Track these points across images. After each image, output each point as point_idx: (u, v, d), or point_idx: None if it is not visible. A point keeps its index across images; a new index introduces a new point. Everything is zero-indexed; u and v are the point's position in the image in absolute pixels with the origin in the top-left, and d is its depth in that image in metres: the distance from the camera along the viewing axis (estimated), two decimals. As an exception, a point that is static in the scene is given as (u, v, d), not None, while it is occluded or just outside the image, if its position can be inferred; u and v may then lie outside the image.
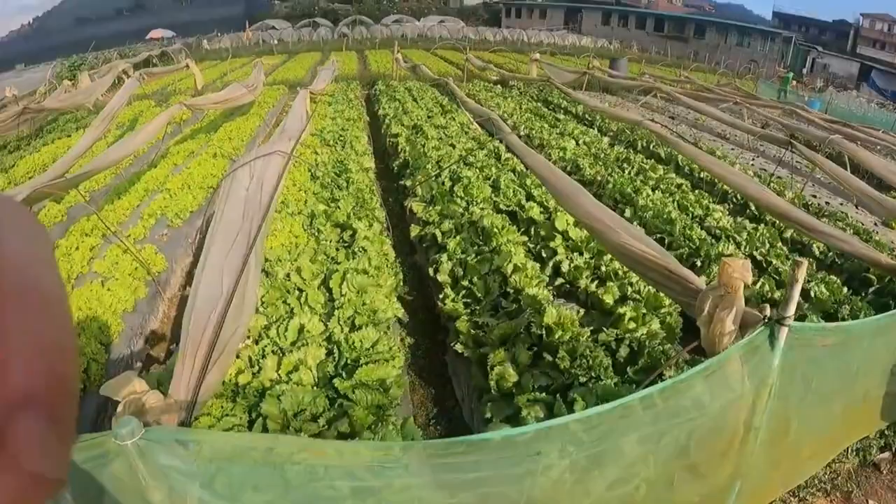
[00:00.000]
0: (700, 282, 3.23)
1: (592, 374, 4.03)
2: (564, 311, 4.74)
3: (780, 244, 7.48)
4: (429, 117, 13.33)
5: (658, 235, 7.28)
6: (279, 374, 4.32)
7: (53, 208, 8.90)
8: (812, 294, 6.16)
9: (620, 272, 5.78)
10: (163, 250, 7.46)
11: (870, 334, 3.60)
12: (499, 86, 20.50)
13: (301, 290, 5.51)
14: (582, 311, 5.34)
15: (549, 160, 10.59)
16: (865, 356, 3.66)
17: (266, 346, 4.66)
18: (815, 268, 6.98)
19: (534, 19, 65.46)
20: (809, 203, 9.95)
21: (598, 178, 9.36)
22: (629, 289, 5.46)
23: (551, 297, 5.43)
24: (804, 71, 56.35)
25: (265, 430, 3.76)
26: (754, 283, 6.20)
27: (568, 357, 4.18)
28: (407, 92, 17.38)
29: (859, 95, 43.94)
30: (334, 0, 76.15)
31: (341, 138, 11.60)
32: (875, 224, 9.70)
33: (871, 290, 6.62)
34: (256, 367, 4.41)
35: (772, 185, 10.22)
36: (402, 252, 7.50)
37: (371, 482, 2.13)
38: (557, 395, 3.90)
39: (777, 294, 5.97)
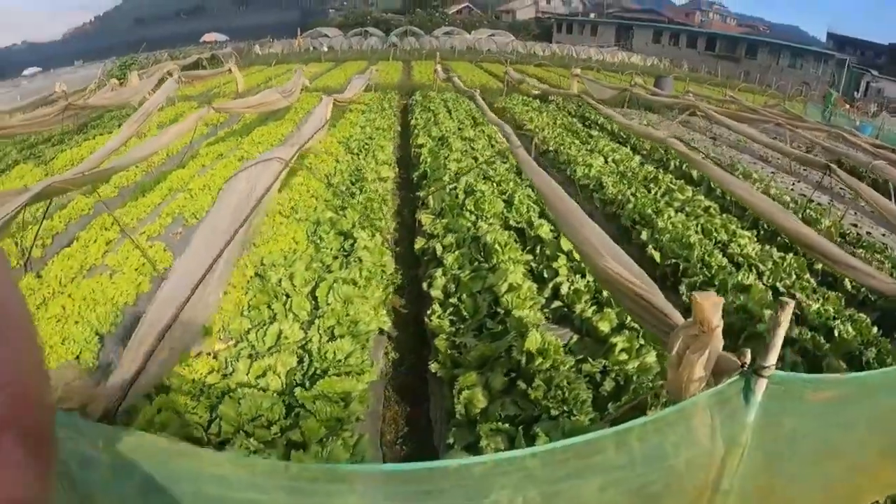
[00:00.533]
0: (678, 317, 2.91)
1: (566, 407, 3.74)
2: (550, 337, 4.45)
3: (807, 276, 7.02)
4: (459, 129, 13.15)
5: (672, 261, 6.94)
6: (248, 378, 4.30)
7: (81, 201, 9.15)
8: (836, 333, 5.67)
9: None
10: (172, 248, 7.50)
11: (885, 387, 3.01)
12: (538, 100, 20.22)
13: (288, 296, 5.44)
14: (576, 337, 5.03)
15: (574, 177, 10.35)
16: (881, 412, 3.11)
17: (243, 349, 4.70)
18: (843, 304, 6.44)
19: (585, 35, 65.19)
20: (848, 232, 9.35)
21: (620, 197, 9.02)
22: (629, 317, 5.16)
23: (544, 321, 5.16)
24: (857, 94, 54.78)
25: (220, 431, 3.76)
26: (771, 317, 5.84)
27: (543, 387, 3.90)
28: (442, 103, 17.23)
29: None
30: (388, 11, 77.06)
31: (366, 147, 11.50)
32: (920, 258, 9.14)
33: (903, 331, 6.10)
34: (230, 369, 4.43)
35: (808, 211, 9.75)
36: (407, 264, 7.30)
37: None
38: (520, 428, 3.63)
39: (794, 332, 5.57)
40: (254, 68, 37.25)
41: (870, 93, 56.76)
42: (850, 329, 5.71)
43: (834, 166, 9.12)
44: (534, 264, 6.23)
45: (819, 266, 7.41)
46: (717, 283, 6.34)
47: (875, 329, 5.81)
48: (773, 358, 2.35)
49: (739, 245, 7.55)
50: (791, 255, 7.44)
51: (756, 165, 14.71)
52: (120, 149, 9.78)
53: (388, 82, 24.38)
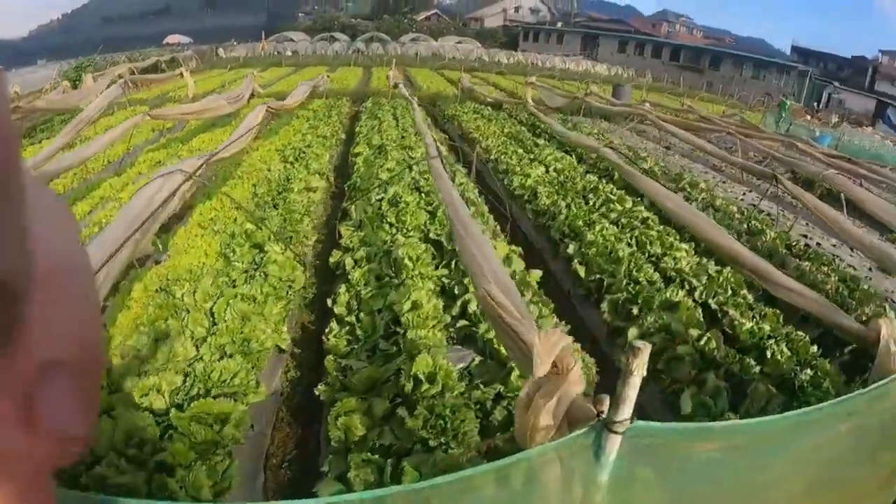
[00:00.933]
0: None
1: (443, 439, 3.47)
2: (441, 360, 4.16)
3: (744, 292, 6.67)
4: (402, 137, 12.86)
5: (597, 276, 6.70)
6: (134, 396, 4.08)
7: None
8: (769, 355, 5.37)
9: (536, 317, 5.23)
10: (95, 259, 7.08)
11: (783, 433, 2.58)
12: (491, 108, 19.99)
13: (188, 312, 5.12)
14: (478, 359, 4.76)
15: (510, 187, 10.12)
16: (785, 461, 2.70)
17: (132, 367, 4.47)
18: (782, 321, 6.12)
19: (551, 44, 65.53)
20: (794, 243, 9.07)
21: (552, 208, 8.77)
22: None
23: (446, 341, 4.87)
24: (818, 106, 55.79)
25: (92, 450, 3.48)
26: (699, 337, 5.54)
27: (425, 414, 3.63)
28: (391, 111, 16.93)
29: (875, 132, 43.27)
30: (357, 16, 76.87)
31: (302, 155, 11.16)
32: (871, 269, 9.04)
33: (847, 349, 5.75)
34: (115, 387, 4.21)
35: (754, 222, 9.59)
36: (323, 279, 7.00)
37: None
38: (389, 461, 3.35)
39: (721, 354, 5.33)
40: (214, 72, 36.69)
41: (831, 104, 57.97)
42: (785, 349, 5.38)
43: (780, 176, 8.98)
44: (447, 280, 5.93)
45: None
46: (640, 299, 6.09)
47: (815, 348, 5.51)
48: (624, 412, 1.99)
49: (674, 258, 7.22)
50: (728, 269, 7.18)
51: (707, 175, 14.63)
52: (57, 155, 9.45)
53: (344, 88, 23.98)
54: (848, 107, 56.83)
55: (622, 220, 8.57)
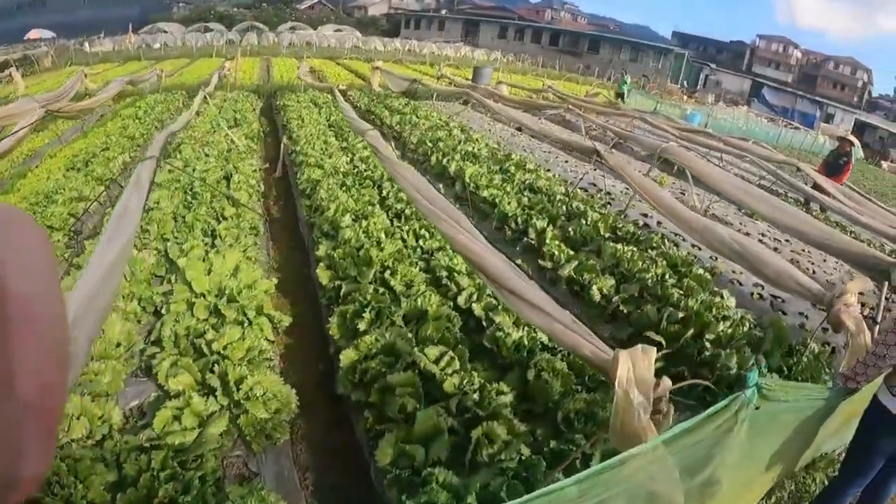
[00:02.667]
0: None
1: None
2: None
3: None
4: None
5: (338, 282, 5.79)
6: None
7: None
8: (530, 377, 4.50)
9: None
10: None
11: None
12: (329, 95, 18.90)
13: None
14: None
15: (298, 180, 9.12)
16: None
17: None
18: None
19: (432, 31, 64.93)
20: (622, 225, 8.28)
21: (326, 201, 7.76)
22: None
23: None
24: (697, 87, 57.58)
25: None
26: (438, 357, 4.57)
27: None
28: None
29: (750, 111, 44.84)
30: (238, 5, 73.92)
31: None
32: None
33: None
34: None
35: (576, 203, 8.84)
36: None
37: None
38: None
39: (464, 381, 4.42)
40: (72, 68, 33.79)
41: (708, 85, 60.05)
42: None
43: (600, 150, 8.25)
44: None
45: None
46: (374, 310, 5.17)
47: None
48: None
49: (449, 255, 6.35)
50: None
51: (551, 154, 14.16)
52: None
53: (188, 82, 22.01)
54: (725, 87, 59.09)
55: (406, 210, 7.69)
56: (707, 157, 14.70)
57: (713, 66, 62.91)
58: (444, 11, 70.97)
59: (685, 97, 46.85)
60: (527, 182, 10.07)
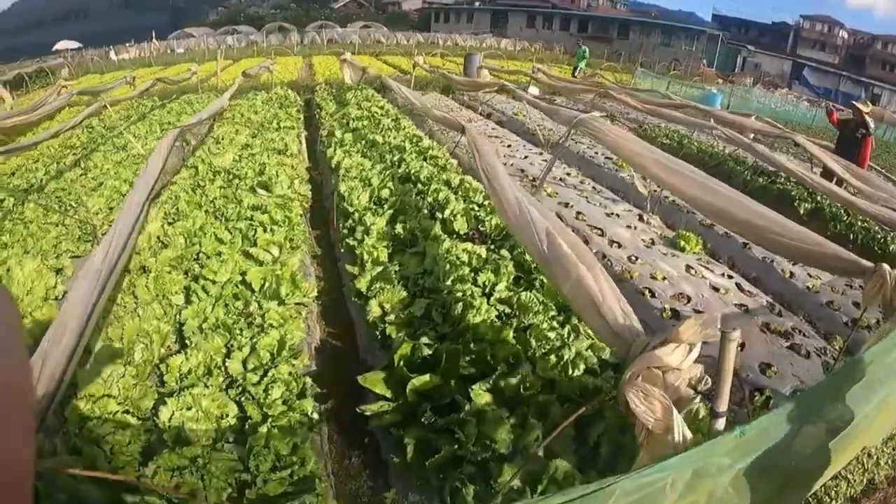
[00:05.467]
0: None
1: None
2: None
3: None
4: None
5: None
6: None
7: None
8: None
9: None
10: None
11: None
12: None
13: None
14: None
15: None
16: None
17: None
18: None
19: (461, 23, 63.84)
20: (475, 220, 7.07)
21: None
22: None
23: None
24: (735, 69, 55.13)
25: None
26: None
27: None
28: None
29: (790, 93, 42.58)
30: (278, 7, 74.52)
31: None
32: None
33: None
34: None
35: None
36: None
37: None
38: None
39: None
40: (89, 76, 34.00)
41: (747, 67, 57.46)
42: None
43: (467, 125, 7.23)
44: None
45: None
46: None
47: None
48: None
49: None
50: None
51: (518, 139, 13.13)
52: None
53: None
54: (764, 69, 56.51)
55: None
56: (694, 133, 13.73)
57: (751, 47, 60.22)
58: (476, 3, 69.90)
59: (719, 80, 44.68)
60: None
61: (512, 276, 4.95)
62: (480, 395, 3.38)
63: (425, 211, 6.57)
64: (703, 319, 2.09)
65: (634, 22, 56.24)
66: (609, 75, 28.69)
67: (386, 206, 6.65)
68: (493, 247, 5.69)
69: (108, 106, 13.10)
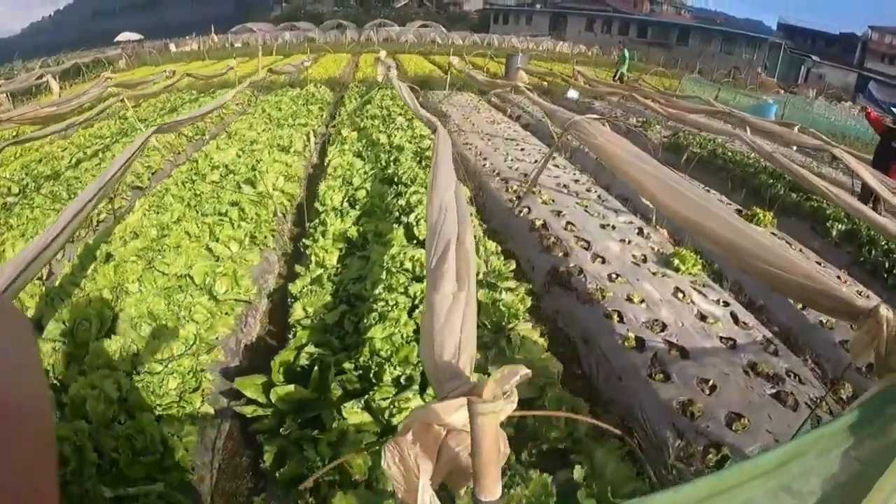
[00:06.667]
0: None
1: None
2: None
3: None
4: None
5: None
6: None
7: None
8: None
9: None
10: None
11: None
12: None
13: None
14: None
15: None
16: None
17: None
18: None
19: (520, 25, 63.48)
20: None
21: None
22: None
23: None
24: (798, 80, 53.26)
25: None
26: None
27: None
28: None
29: (853, 106, 40.91)
30: (339, 4, 75.45)
31: None
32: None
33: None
34: None
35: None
36: None
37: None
38: None
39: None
40: (144, 68, 34.70)
41: (810, 78, 55.46)
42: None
43: (440, 126, 6.92)
44: None
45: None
46: None
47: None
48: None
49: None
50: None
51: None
52: None
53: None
54: (828, 81, 54.49)
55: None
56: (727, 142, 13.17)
57: (815, 58, 58.09)
58: (537, 6, 69.39)
59: (780, 90, 43.13)
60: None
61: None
62: (353, 413, 3.15)
63: (396, 213, 6.31)
64: (504, 373, 1.72)
65: (695, 28, 54.84)
66: (654, 81, 27.91)
67: (357, 208, 6.44)
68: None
69: (125, 100, 13.16)
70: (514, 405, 1.65)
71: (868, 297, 6.56)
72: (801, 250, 7.70)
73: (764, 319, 5.92)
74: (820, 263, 7.31)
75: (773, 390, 4.37)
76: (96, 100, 14.39)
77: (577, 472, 2.80)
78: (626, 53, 28.78)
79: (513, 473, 2.69)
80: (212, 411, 3.77)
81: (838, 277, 6.96)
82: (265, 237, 6.33)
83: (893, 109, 24.14)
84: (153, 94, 16.58)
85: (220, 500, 3.42)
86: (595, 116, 7.43)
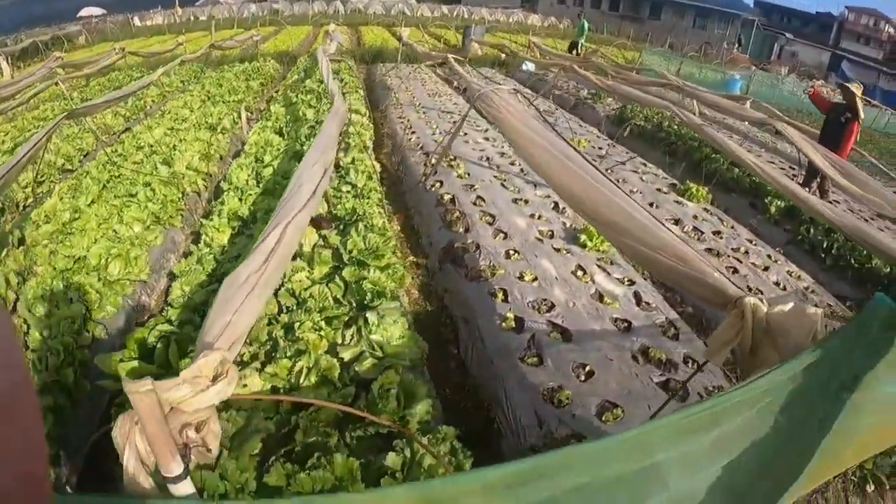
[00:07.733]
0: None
1: None
2: None
3: None
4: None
5: None
6: None
7: None
8: None
9: None
10: None
11: None
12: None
13: None
14: None
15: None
16: None
17: None
18: None
19: (495, -3, 62.62)
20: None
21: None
22: None
23: None
24: (771, 57, 53.43)
25: None
26: None
27: None
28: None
29: (824, 85, 41.19)
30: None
31: None
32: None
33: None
34: None
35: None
36: None
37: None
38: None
39: None
40: (105, 44, 33.86)
41: (783, 56, 55.66)
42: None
43: (338, 97, 7.04)
44: None
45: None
46: None
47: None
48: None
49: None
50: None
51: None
52: None
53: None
54: (801, 59, 54.76)
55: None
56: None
57: (789, 35, 58.30)
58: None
59: (753, 66, 43.25)
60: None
61: (329, 266, 4.75)
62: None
63: (296, 191, 6.39)
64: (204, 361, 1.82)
65: (669, 3, 54.39)
66: (616, 53, 27.85)
67: (261, 186, 6.51)
68: (337, 233, 5.42)
69: (60, 83, 13.04)
70: (214, 391, 1.79)
71: (799, 276, 6.70)
72: (732, 227, 7.75)
73: (677, 300, 5.89)
74: (752, 241, 7.38)
75: (663, 378, 4.20)
76: (43, 80, 14.24)
77: (392, 459, 2.74)
78: (586, 24, 28.19)
79: (319, 456, 2.73)
80: (88, 386, 3.96)
81: (769, 256, 7.02)
82: (170, 217, 6.38)
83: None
84: (96, 73, 16.33)
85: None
86: (508, 88, 7.44)
